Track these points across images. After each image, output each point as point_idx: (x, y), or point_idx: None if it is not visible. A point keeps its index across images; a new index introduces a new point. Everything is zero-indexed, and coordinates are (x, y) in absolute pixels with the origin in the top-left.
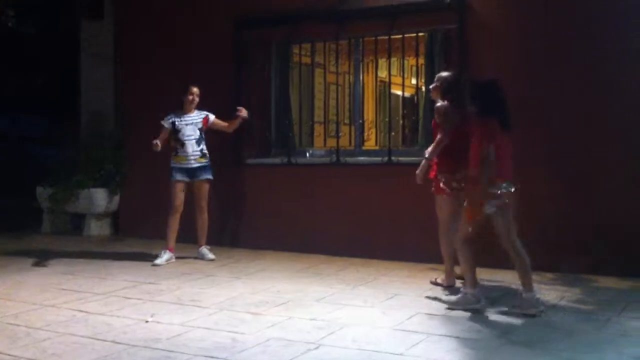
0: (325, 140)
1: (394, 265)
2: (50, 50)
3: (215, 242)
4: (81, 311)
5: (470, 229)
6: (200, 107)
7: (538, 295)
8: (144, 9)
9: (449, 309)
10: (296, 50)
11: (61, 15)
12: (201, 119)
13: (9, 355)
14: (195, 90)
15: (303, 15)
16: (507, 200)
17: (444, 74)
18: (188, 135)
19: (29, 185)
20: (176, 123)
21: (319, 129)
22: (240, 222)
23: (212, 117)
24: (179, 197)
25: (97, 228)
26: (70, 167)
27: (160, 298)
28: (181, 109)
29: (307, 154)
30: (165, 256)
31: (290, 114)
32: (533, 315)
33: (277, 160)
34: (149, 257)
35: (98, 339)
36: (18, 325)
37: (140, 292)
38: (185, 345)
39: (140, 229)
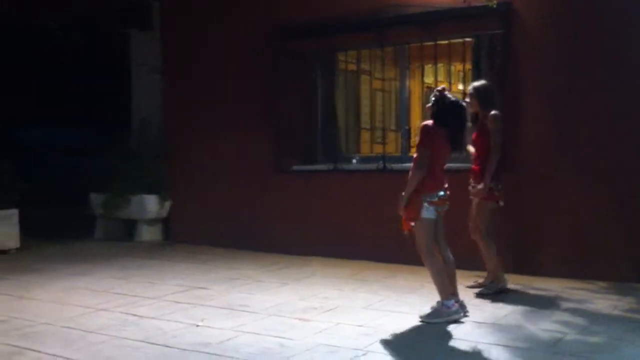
0: (371, 146)
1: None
2: (100, 61)
3: (263, 248)
4: (133, 315)
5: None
6: (242, 118)
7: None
8: (188, 21)
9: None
10: (341, 58)
11: (111, 26)
12: None
13: (63, 357)
14: None
15: (347, 24)
16: (439, 209)
17: (478, 83)
18: None
19: (79, 194)
20: None
21: (365, 136)
22: (286, 229)
23: None
24: None
25: (149, 234)
26: (121, 175)
27: (210, 303)
28: None
29: (354, 161)
30: None
31: (336, 120)
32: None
33: (323, 167)
34: (199, 262)
35: (149, 343)
36: (73, 328)
37: (191, 296)
38: (235, 349)
39: (191, 234)
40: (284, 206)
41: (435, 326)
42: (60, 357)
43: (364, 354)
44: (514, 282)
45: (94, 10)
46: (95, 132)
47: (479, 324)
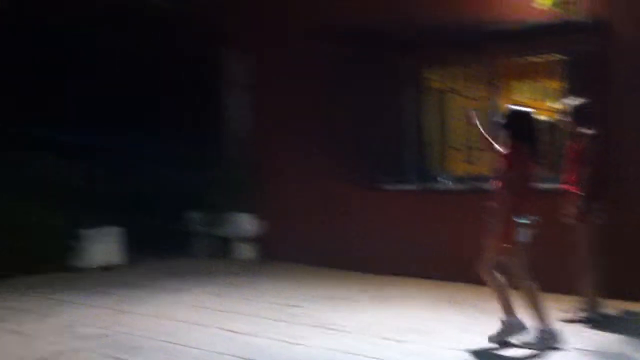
0: (461, 165)
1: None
2: (193, 79)
3: (357, 267)
4: (229, 330)
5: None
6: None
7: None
8: (276, 38)
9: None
10: (431, 75)
11: (207, 43)
12: None
13: None
14: None
15: (438, 40)
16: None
17: (573, 101)
18: None
19: (175, 210)
20: None
21: (454, 154)
22: (380, 248)
23: None
24: None
25: (244, 251)
26: (218, 193)
27: (304, 321)
28: None
29: (445, 180)
30: None
31: (424, 138)
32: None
33: (413, 187)
34: (293, 280)
35: (244, 358)
36: (172, 342)
37: (284, 314)
38: None
39: (285, 252)
40: (377, 225)
41: (532, 352)
42: None
43: None
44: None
45: (192, 29)
46: (190, 149)
47: (585, 351)
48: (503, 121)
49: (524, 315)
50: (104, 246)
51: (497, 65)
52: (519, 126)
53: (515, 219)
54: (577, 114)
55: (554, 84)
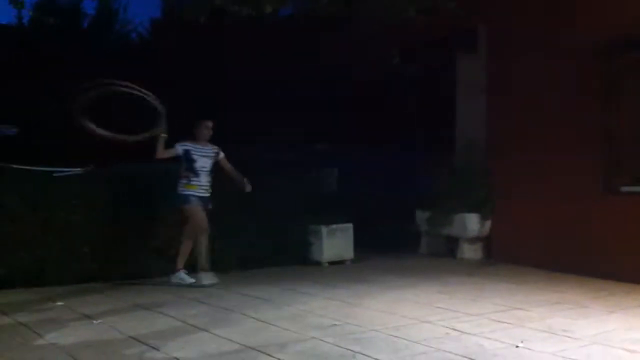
0: None
1: None
2: (426, 86)
3: (589, 273)
4: (455, 329)
5: None
6: (567, 136)
7: None
8: (513, 42)
9: None
10: None
11: (441, 49)
12: (214, 154)
13: None
14: (210, 124)
15: None
16: None
17: None
18: (202, 167)
19: (406, 210)
20: (191, 152)
21: None
22: (614, 254)
23: (222, 155)
24: (205, 219)
25: (470, 251)
26: (445, 194)
27: (530, 325)
28: (194, 140)
29: None
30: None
31: None
32: None
33: None
34: (520, 283)
35: (469, 358)
36: (399, 337)
37: (511, 316)
38: None
39: (511, 254)
40: (612, 230)
41: None
42: None
43: None
44: None
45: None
46: (421, 151)
47: None
48: None
49: None
50: (337, 242)
51: None
52: None
53: None
54: None
55: None
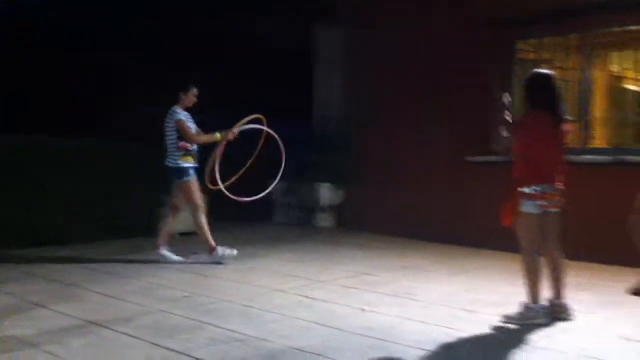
0: None
1: (616, 271)
2: (284, 59)
3: (435, 239)
4: (307, 297)
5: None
6: (419, 110)
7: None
8: (372, 15)
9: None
10: (524, 47)
11: (296, 21)
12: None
13: (240, 333)
14: (196, 90)
15: (533, 10)
16: (546, 203)
17: None
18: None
19: (262, 181)
20: (188, 121)
21: None
22: (458, 220)
23: None
24: (199, 194)
25: (324, 220)
26: (302, 165)
27: (378, 289)
28: (181, 106)
29: None
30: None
31: (512, 110)
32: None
33: (497, 159)
34: (370, 249)
35: (321, 324)
36: (251, 307)
37: (360, 282)
38: (400, 336)
39: (363, 222)
40: (457, 197)
41: (612, 326)
42: (238, 333)
43: (533, 350)
44: None
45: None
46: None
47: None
48: (524, 85)
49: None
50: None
51: (595, 36)
52: (539, 92)
53: (521, 189)
54: None
55: None
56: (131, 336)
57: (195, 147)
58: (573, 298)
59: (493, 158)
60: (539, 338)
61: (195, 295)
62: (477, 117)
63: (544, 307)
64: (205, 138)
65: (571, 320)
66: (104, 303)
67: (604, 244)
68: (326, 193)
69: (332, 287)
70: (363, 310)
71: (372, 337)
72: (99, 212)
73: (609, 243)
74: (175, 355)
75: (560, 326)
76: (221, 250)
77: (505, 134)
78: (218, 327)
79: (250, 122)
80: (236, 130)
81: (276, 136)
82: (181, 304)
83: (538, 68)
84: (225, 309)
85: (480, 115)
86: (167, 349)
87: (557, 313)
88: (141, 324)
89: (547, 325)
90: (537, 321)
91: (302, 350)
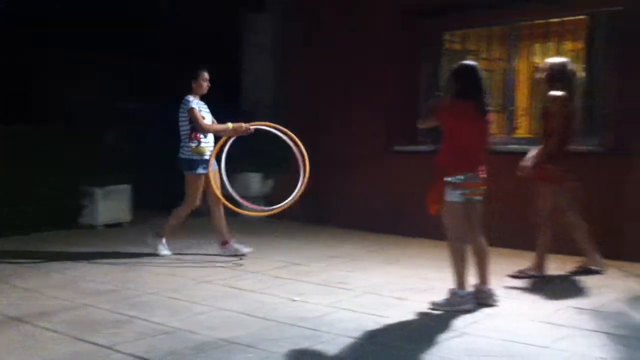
0: None
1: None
2: (212, 43)
3: (367, 228)
4: (235, 288)
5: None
6: (354, 99)
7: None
8: (303, 2)
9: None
10: (450, 37)
11: (225, 6)
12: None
13: (167, 326)
14: (207, 74)
15: (459, 2)
16: (467, 192)
17: (552, 60)
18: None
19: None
20: (201, 110)
21: None
22: (389, 210)
23: None
24: (200, 193)
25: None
26: (230, 154)
27: (309, 279)
28: (194, 94)
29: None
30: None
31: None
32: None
33: (425, 148)
34: (301, 239)
35: (249, 315)
36: (178, 299)
37: (290, 272)
38: (330, 324)
39: (295, 212)
40: (388, 187)
41: (535, 311)
42: (165, 325)
43: (459, 336)
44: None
45: None
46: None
47: (581, 310)
48: (449, 75)
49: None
50: (113, 204)
51: (519, 27)
52: (463, 82)
53: (445, 178)
54: (552, 74)
55: (578, 46)
56: (54, 331)
57: (209, 136)
58: (497, 284)
59: (420, 148)
60: (465, 323)
61: (120, 289)
62: (406, 106)
63: (469, 293)
64: (217, 127)
65: (496, 305)
66: (24, 297)
67: (529, 231)
68: (255, 182)
69: (261, 277)
70: (293, 300)
71: (302, 327)
72: (26, 202)
73: (533, 230)
74: (101, 350)
75: (485, 311)
76: (163, 247)
77: (430, 119)
78: (144, 320)
79: (275, 128)
80: (252, 127)
81: (300, 152)
82: (106, 297)
83: (464, 59)
84: (152, 302)
85: (410, 104)
86: (93, 343)
87: (482, 299)
88: (65, 319)
89: (473, 310)
90: (463, 307)
91: (230, 342)
